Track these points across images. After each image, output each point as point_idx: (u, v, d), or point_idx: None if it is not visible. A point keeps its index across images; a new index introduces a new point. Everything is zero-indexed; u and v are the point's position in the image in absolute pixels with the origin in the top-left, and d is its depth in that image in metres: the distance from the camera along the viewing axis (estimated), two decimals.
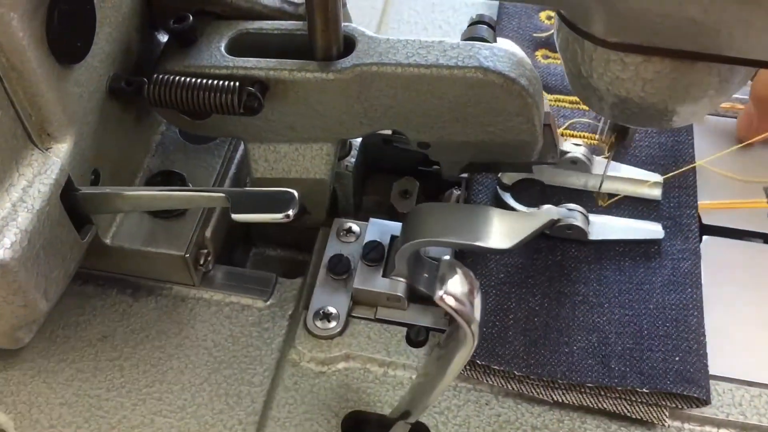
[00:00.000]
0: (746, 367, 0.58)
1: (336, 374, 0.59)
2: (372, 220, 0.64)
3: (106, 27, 0.55)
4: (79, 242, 0.55)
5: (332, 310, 0.60)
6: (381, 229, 0.63)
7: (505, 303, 0.59)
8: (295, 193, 0.50)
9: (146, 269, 0.63)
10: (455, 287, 0.42)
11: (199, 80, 0.54)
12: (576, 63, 0.51)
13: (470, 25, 0.58)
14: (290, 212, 0.49)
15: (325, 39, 0.54)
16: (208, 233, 0.63)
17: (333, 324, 0.60)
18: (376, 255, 0.61)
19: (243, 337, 0.61)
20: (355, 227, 0.64)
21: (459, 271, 0.43)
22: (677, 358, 0.56)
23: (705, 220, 0.66)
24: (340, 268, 0.62)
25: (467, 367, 0.57)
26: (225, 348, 0.61)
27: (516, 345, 0.57)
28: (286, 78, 0.55)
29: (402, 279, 0.60)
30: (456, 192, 0.68)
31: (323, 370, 0.59)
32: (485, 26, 0.58)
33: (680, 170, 0.66)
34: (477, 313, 0.42)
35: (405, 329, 0.60)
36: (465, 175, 0.68)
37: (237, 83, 0.54)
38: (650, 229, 0.63)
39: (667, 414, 0.55)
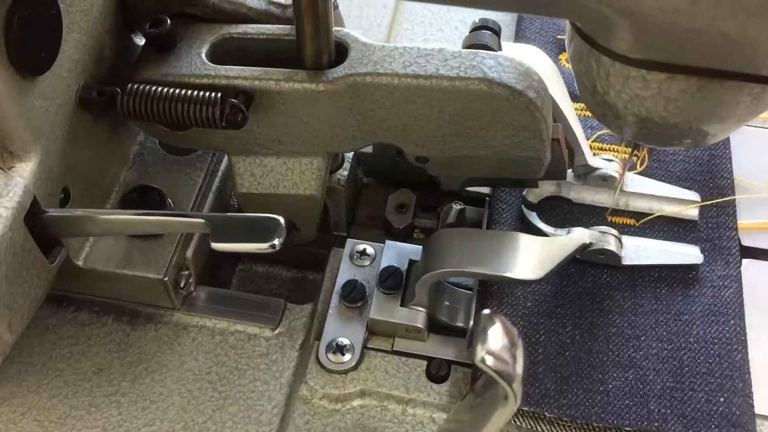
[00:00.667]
0: None
1: (351, 412, 0.55)
2: (388, 242, 0.60)
3: (74, 33, 0.50)
4: (47, 266, 0.51)
5: (346, 341, 0.56)
6: (398, 252, 0.59)
7: (533, 335, 0.55)
8: (281, 220, 0.46)
9: (123, 292, 0.59)
10: (495, 343, 0.37)
11: (177, 91, 0.50)
12: (590, 78, 0.47)
13: (472, 30, 0.54)
14: (276, 242, 0.45)
15: (315, 45, 0.50)
16: (189, 253, 0.59)
17: (347, 357, 0.55)
18: (394, 282, 0.57)
19: (250, 370, 0.57)
20: (370, 249, 0.60)
21: (497, 322, 0.39)
22: (722, 399, 0.52)
23: (745, 242, 0.61)
24: (355, 296, 0.57)
25: None
26: (230, 382, 0.57)
27: (546, 383, 0.53)
28: (273, 89, 0.51)
29: (422, 309, 0.56)
30: (456, 206, 0.63)
31: (337, 407, 0.55)
32: (489, 32, 0.54)
33: (727, 198, 0.61)
34: (519, 368, 0.38)
35: (425, 362, 0.56)
36: (487, 190, 0.63)
37: (219, 94, 0.50)
38: (688, 253, 0.58)
39: None
